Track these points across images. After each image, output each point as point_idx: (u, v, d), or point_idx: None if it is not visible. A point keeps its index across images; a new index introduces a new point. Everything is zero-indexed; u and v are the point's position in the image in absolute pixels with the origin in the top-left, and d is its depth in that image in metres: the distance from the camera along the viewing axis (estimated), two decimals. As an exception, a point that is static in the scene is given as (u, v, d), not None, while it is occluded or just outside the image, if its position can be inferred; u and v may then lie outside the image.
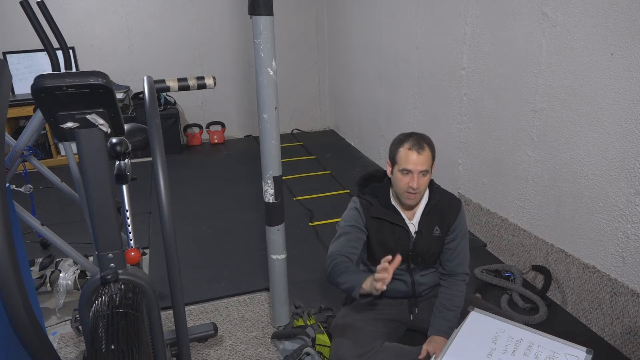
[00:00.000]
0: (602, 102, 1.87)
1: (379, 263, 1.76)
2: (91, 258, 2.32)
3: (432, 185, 1.77)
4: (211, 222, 3.15)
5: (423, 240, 1.72)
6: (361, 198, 1.76)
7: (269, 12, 1.64)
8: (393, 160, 1.67)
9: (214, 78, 1.48)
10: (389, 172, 1.71)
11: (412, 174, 1.61)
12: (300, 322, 1.96)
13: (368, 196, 1.75)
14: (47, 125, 2.76)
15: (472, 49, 2.63)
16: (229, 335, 2.04)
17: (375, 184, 1.82)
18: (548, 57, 2.11)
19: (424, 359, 1.64)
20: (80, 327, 1.75)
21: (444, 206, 1.74)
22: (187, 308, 2.18)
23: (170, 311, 1.10)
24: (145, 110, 1.13)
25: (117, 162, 1.42)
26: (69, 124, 0.85)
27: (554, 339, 1.53)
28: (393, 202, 1.75)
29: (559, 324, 2.04)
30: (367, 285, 1.47)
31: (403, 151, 1.62)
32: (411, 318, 1.81)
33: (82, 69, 4.26)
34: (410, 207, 1.72)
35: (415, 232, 1.73)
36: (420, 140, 1.63)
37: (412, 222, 1.74)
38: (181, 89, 1.44)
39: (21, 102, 3.99)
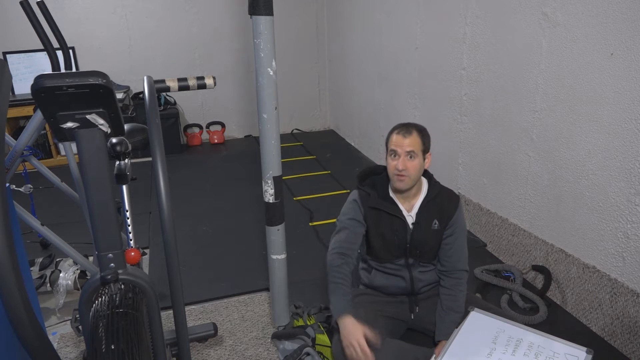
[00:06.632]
0: (602, 102, 1.87)
1: (377, 257, 1.78)
2: (91, 258, 2.32)
3: (430, 179, 1.80)
4: (211, 222, 3.15)
5: (421, 232, 1.73)
6: (360, 189, 1.78)
7: (269, 12, 1.64)
8: (386, 148, 1.73)
9: (214, 78, 1.47)
10: (385, 162, 1.75)
11: (398, 155, 1.65)
12: (300, 322, 1.96)
13: (367, 187, 1.78)
14: (47, 125, 2.77)
15: (472, 49, 2.63)
16: (229, 335, 2.04)
17: (375, 176, 1.84)
18: (548, 57, 2.11)
19: None
20: (80, 327, 1.75)
21: (443, 200, 1.75)
22: (187, 308, 2.18)
23: (170, 311, 1.10)
24: (145, 110, 1.13)
25: (117, 162, 1.43)
26: (69, 124, 0.85)
27: (554, 339, 1.53)
28: (391, 194, 1.76)
29: (559, 324, 2.04)
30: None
31: (392, 136, 1.70)
32: (412, 317, 1.81)
33: (82, 69, 4.26)
34: (403, 192, 1.73)
35: (413, 224, 1.73)
36: (409, 126, 1.69)
37: (410, 214, 1.75)
38: (181, 89, 1.44)
39: (21, 102, 3.99)
